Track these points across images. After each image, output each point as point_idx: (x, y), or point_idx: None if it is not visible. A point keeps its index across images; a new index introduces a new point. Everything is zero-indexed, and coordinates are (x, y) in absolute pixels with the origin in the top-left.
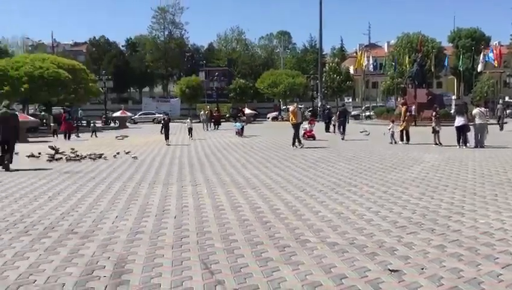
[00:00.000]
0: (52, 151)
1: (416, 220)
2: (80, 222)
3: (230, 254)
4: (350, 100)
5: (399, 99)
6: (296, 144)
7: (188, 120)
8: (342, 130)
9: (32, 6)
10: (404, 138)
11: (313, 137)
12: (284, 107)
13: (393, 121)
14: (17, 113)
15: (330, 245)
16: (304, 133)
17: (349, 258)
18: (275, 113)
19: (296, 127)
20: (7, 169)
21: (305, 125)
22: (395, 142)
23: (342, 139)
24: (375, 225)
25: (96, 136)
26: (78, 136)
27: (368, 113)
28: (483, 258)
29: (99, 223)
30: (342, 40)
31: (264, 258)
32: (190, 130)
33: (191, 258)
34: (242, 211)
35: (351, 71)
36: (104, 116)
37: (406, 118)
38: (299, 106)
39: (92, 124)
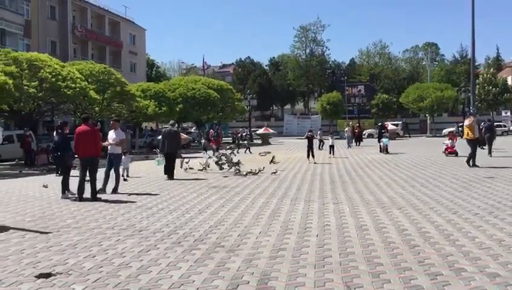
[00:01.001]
0: (203, 166)
1: None
2: (226, 235)
3: (375, 278)
4: (508, 114)
5: None
6: (476, 162)
7: (330, 137)
8: (488, 146)
9: (186, 33)
10: None
11: (455, 153)
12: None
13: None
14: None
15: (490, 276)
16: (446, 149)
17: None
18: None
19: (474, 143)
20: (171, 178)
21: (446, 141)
22: None
23: (490, 155)
24: None
25: (250, 152)
26: (239, 152)
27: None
28: None
29: (244, 237)
30: (497, 49)
31: (413, 285)
32: (332, 147)
33: (334, 279)
34: (387, 233)
35: (509, 82)
36: (248, 133)
37: None
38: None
39: (245, 141)
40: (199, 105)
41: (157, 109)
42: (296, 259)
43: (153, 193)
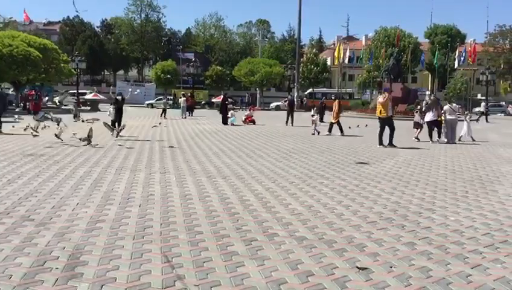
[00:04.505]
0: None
1: (386, 215)
2: (37, 208)
3: (194, 247)
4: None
5: (374, 92)
6: (384, 143)
7: (165, 100)
8: (288, 118)
9: None
10: (333, 129)
11: (253, 122)
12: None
13: (317, 113)
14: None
15: (298, 240)
16: (246, 119)
17: (317, 254)
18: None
19: (385, 121)
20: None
21: (247, 112)
22: (318, 133)
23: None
24: (345, 220)
25: (76, 120)
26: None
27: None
28: (453, 257)
29: (59, 209)
30: (320, 32)
31: (229, 252)
32: (164, 111)
33: (152, 250)
34: (210, 201)
35: (328, 63)
36: (75, 98)
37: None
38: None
39: (74, 107)
40: (17, 64)
41: None
42: (114, 231)
43: None
